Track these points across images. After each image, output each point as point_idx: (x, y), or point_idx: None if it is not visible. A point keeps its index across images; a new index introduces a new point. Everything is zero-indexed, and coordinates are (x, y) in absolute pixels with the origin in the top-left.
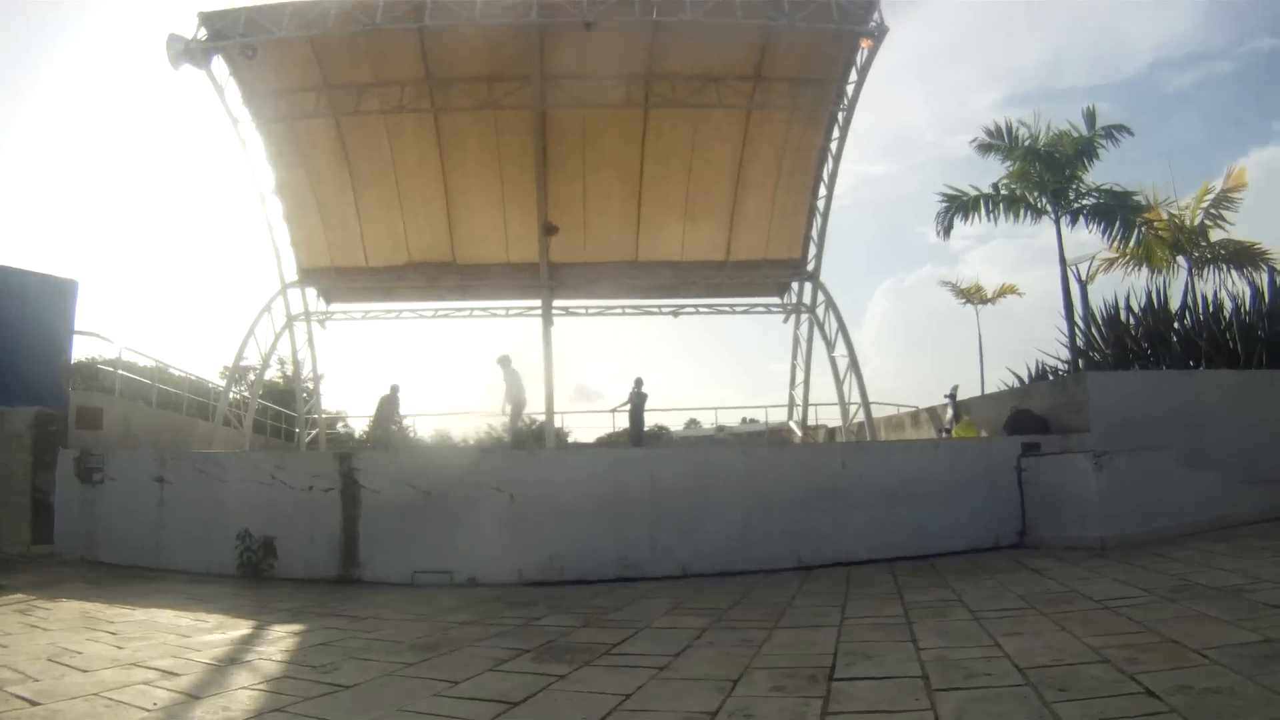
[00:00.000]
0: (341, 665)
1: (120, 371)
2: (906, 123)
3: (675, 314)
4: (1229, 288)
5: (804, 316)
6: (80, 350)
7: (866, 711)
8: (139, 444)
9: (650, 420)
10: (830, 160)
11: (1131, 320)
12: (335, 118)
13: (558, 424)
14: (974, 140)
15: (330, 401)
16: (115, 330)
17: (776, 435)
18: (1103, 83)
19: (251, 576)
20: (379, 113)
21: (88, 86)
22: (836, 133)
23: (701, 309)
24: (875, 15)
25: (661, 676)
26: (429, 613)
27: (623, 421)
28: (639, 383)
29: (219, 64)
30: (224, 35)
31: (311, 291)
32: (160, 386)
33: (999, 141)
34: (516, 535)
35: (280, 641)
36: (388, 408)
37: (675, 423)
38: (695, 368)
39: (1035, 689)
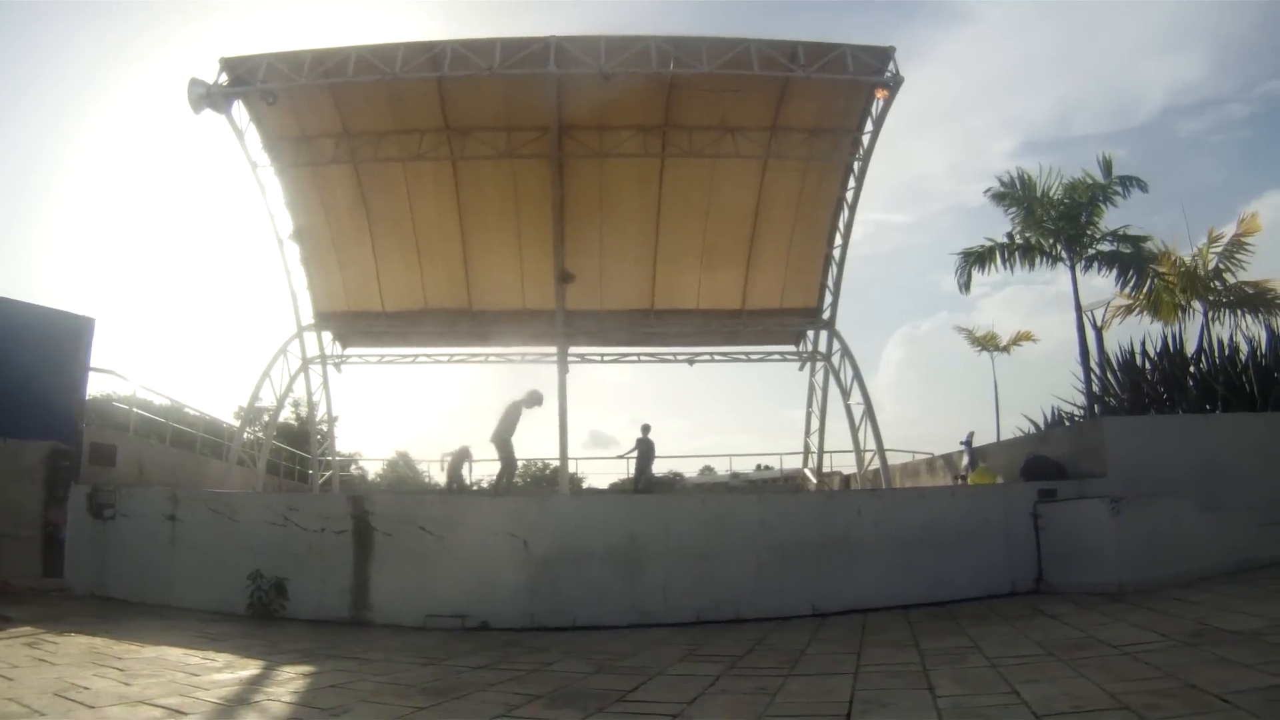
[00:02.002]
0: (352, 708)
1: (135, 409)
2: (923, 172)
3: (691, 362)
4: (1245, 331)
5: (819, 364)
6: (96, 387)
7: None
8: (152, 482)
9: (664, 466)
10: (846, 210)
11: (1147, 365)
12: (354, 164)
13: (572, 469)
14: (988, 190)
15: (344, 444)
16: (131, 368)
17: (791, 483)
18: (1116, 130)
19: (262, 617)
20: (398, 160)
21: (115, 129)
22: (852, 182)
23: (717, 357)
24: (890, 66)
25: None
26: (441, 656)
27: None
28: (645, 429)
29: (239, 109)
30: (244, 81)
31: (327, 335)
32: (174, 425)
33: (1013, 190)
34: (529, 580)
35: (290, 683)
36: (457, 463)
37: (690, 469)
38: (711, 414)
39: None
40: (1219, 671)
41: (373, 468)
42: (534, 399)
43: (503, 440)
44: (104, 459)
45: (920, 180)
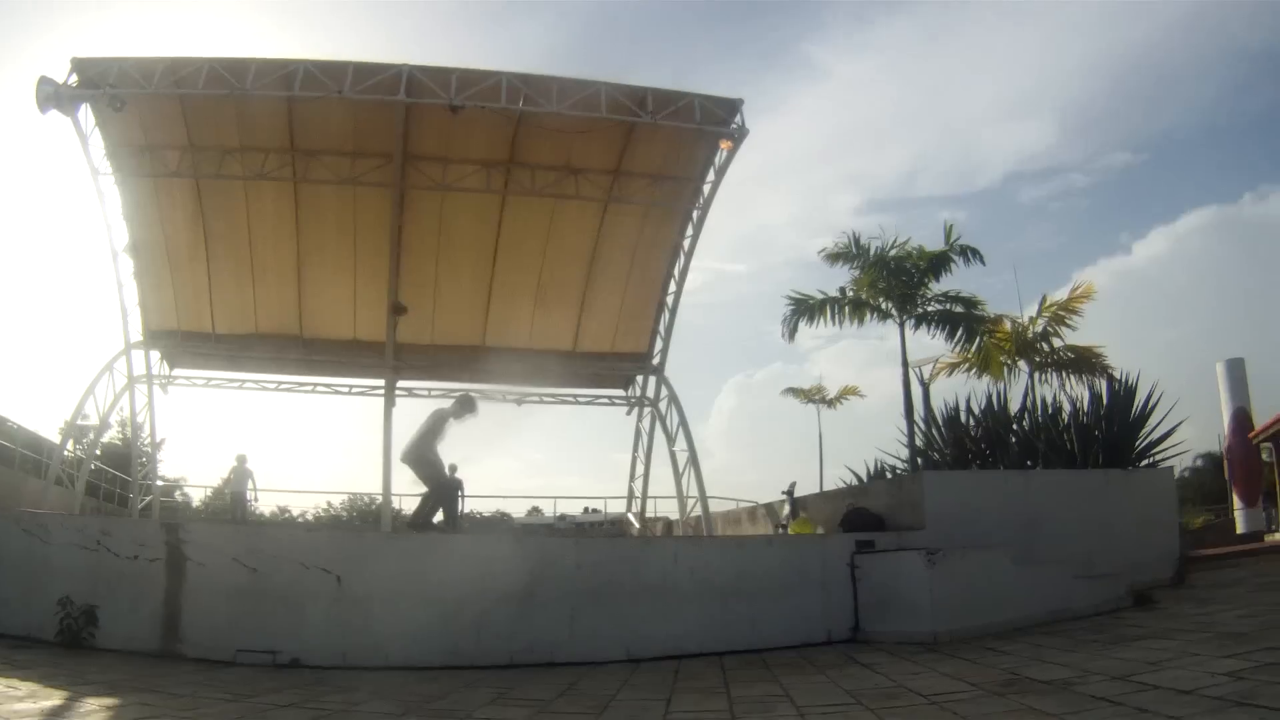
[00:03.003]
0: None
1: None
2: (765, 223)
3: (519, 402)
4: (1068, 391)
5: (647, 409)
6: None
7: None
8: None
9: (492, 506)
10: (682, 257)
11: (971, 421)
12: (196, 179)
13: (396, 505)
14: (822, 251)
15: (170, 468)
16: None
17: (616, 527)
18: (959, 192)
19: (71, 645)
20: (240, 178)
21: None
22: (690, 230)
23: (546, 398)
24: (737, 118)
25: None
26: (247, 693)
27: (477, 505)
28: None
29: (85, 112)
30: (95, 84)
31: (156, 354)
32: None
33: (849, 250)
34: (342, 617)
35: (91, 715)
36: (238, 477)
37: (518, 510)
38: (541, 454)
39: None
40: None
41: (198, 495)
42: (465, 407)
43: (418, 457)
44: None
45: (762, 231)
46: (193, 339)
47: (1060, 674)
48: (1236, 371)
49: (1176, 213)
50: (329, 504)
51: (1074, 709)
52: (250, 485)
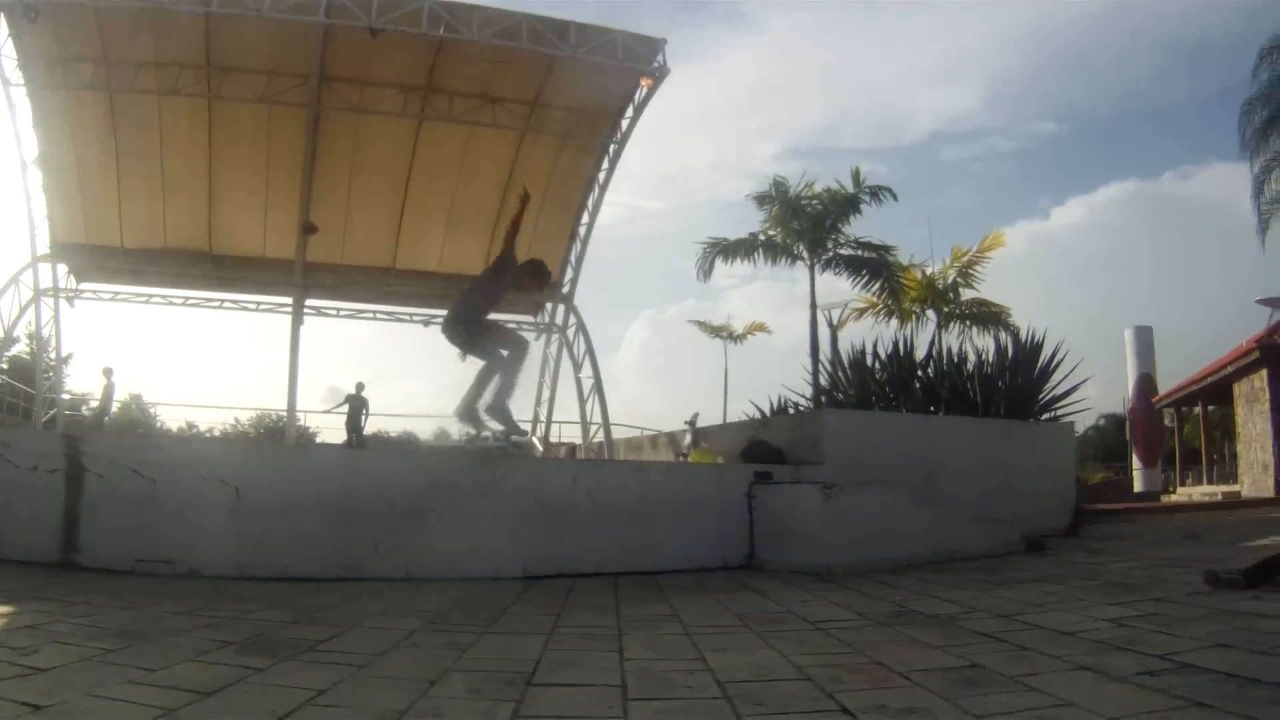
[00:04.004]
0: (42, 649)
1: None
2: (686, 164)
3: (426, 323)
4: (974, 343)
5: (555, 337)
6: None
7: (556, 717)
8: None
9: (400, 426)
10: (597, 189)
11: (877, 365)
12: (109, 93)
13: (300, 422)
14: (748, 194)
15: (77, 384)
16: None
17: (519, 449)
18: (882, 146)
19: None
20: (154, 93)
21: None
22: (606, 164)
23: None
24: (659, 57)
25: (360, 675)
26: (142, 601)
27: (385, 425)
28: (359, 387)
29: None
30: None
31: (63, 268)
32: None
33: (771, 194)
34: (241, 529)
35: None
36: (105, 394)
37: (426, 430)
38: (449, 377)
39: (731, 702)
40: (907, 651)
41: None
42: (535, 275)
43: (468, 322)
44: None
45: (683, 172)
46: (100, 253)
47: (946, 609)
48: (1144, 338)
49: (1096, 183)
50: (236, 420)
51: (956, 642)
52: (111, 399)
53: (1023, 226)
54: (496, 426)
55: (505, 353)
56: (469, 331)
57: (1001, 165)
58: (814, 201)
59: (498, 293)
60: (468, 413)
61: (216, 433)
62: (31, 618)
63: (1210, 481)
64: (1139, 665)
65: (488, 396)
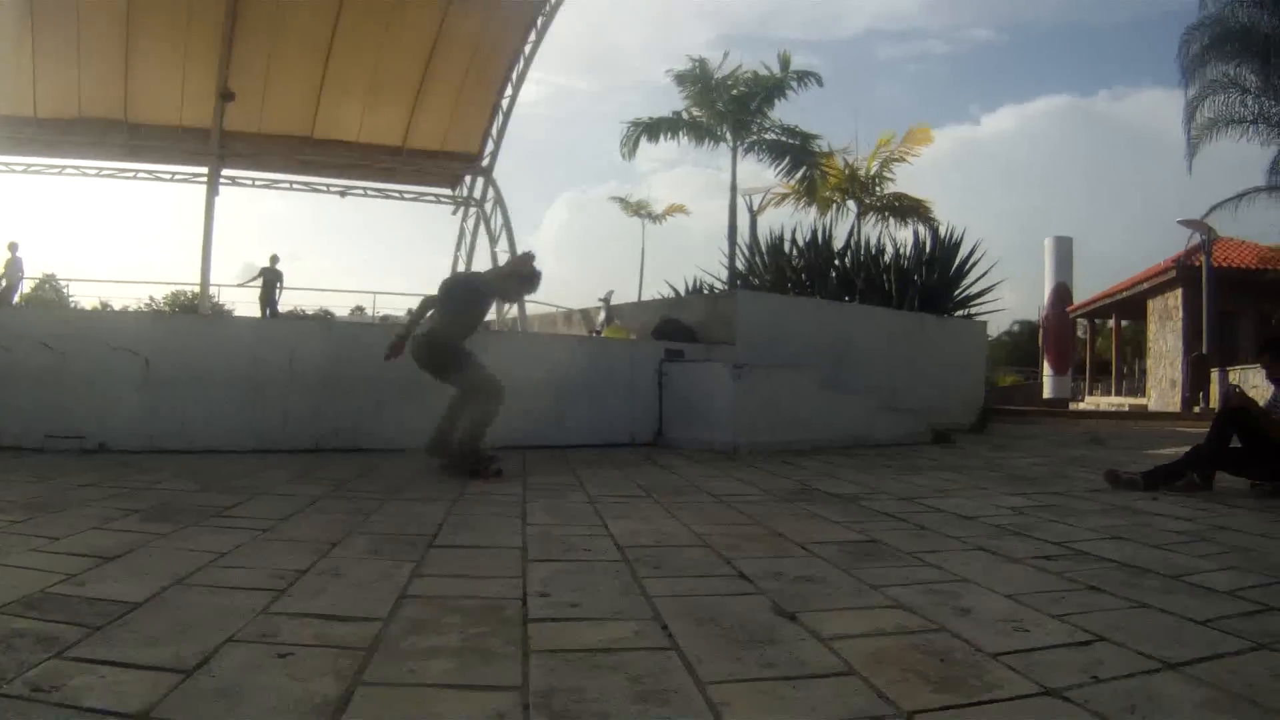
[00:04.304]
0: None
1: None
2: (616, 45)
3: (343, 194)
4: (890, 234)
5: (473, 210)
6: None
7: (455, 575)
8: None
9: (316, 302)
10: (522, 62)
11: (795, 252)
12: None
13: (214, 295)
14: (670, 71)
15: None
16: None
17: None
18: (816, 39)
19: None
20: None
21: None
22: (534, 36)
23: (371, 192)
24: None
25: (264, 538)
26: (52, 475)
27: (302, 300)
28: (273, 260)
29: None
30: None
31: None
32: None
33: (695, 73)
34: (150, 401)
35: None
36: (10, 269)
37: (342, 307)
38: (367, 254)
39: (630, 565)
40: (807, 525)
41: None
42: (525, 283)
43: (446, 341)
44: None
45: (612, 53)
46: (13, 123)
47: (850, 489)
48: (1063, 249)
49: (1030, 95)
50: (151, 298)
51: (856, 519)
52: (20, 274)
53: (953, 130)
54: None
55: (475, 395)
56: (445, 354)
57: (936, 68)
58: (739, 84)
59: (484, 311)
60: (439, 447)
61: (132, 309)
62: None
63: (1119, 394)
64: (1035, 550)
65: (460, 433)
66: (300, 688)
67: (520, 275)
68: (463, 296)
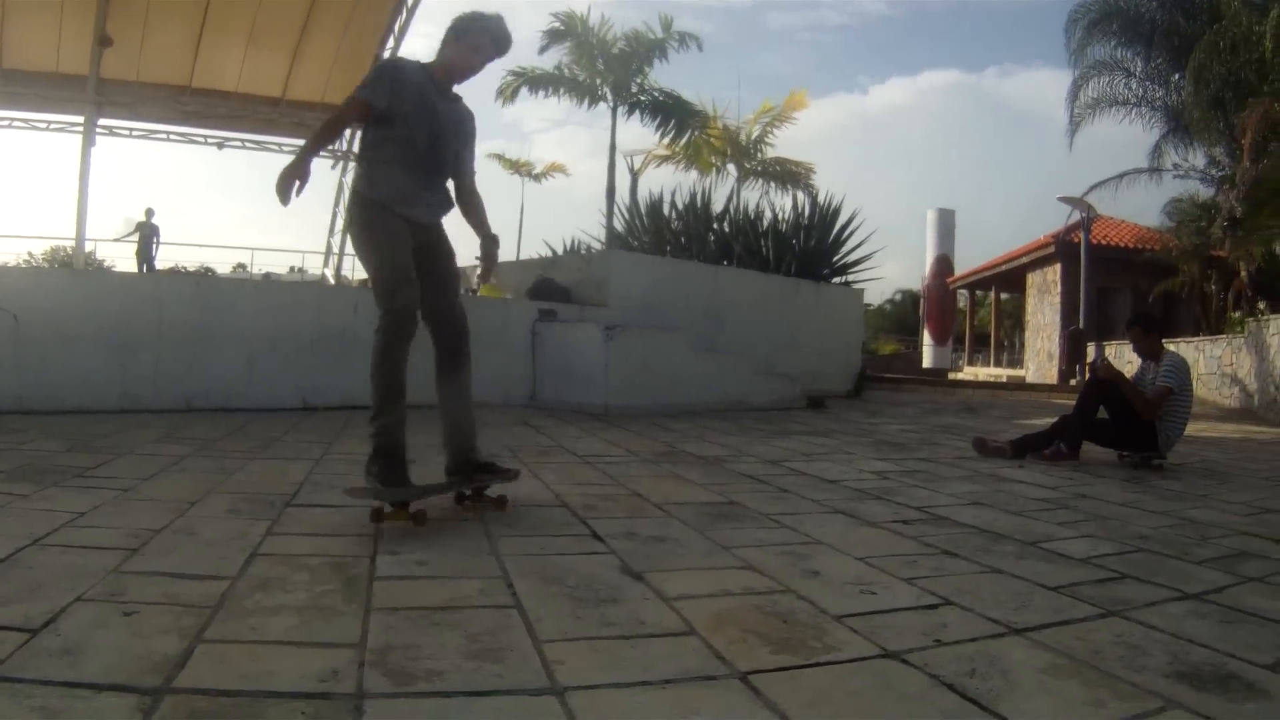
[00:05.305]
0: None
1: None
2: (502, 3)
3: (220, 146)
4: (770, 199)
5: (350, 164)
6: None
7: (308, 534)
8: None
9: (197, 258)
10: (405, 12)
11: (674, 215)
12: None
13: (89, 248)
14: (546, 26)
15: None
16: None
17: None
18: (705, 4)
19: None
20: None
21: None
22: None
23: (249, 144)
24: None
25: (124, 498)
26: None
27: (182, 256)
28: (149, 213)
29: None
30: None
31: None
32: None
33: (571, 24)
34: (19, 360)
35: None
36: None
37: (223, 265)
38: (250, 209)
39: (484, 524)
40: (668, 485)
41: None
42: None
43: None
44: None
45: (497, 6)
46: None
47: (716, 452)
48: (946, 221)
49: (919, 68)
50: (30, 254)
51: (718, 481)
52: None
53: (841, 99)
54: None
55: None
56: (349, 224)
57: (828, 37)
58: (617, 42)
59: (401, 133)
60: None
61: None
62: None
63: (998, 365)
64: (895, 514)
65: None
66: (142, 644)
67: (472, 44)
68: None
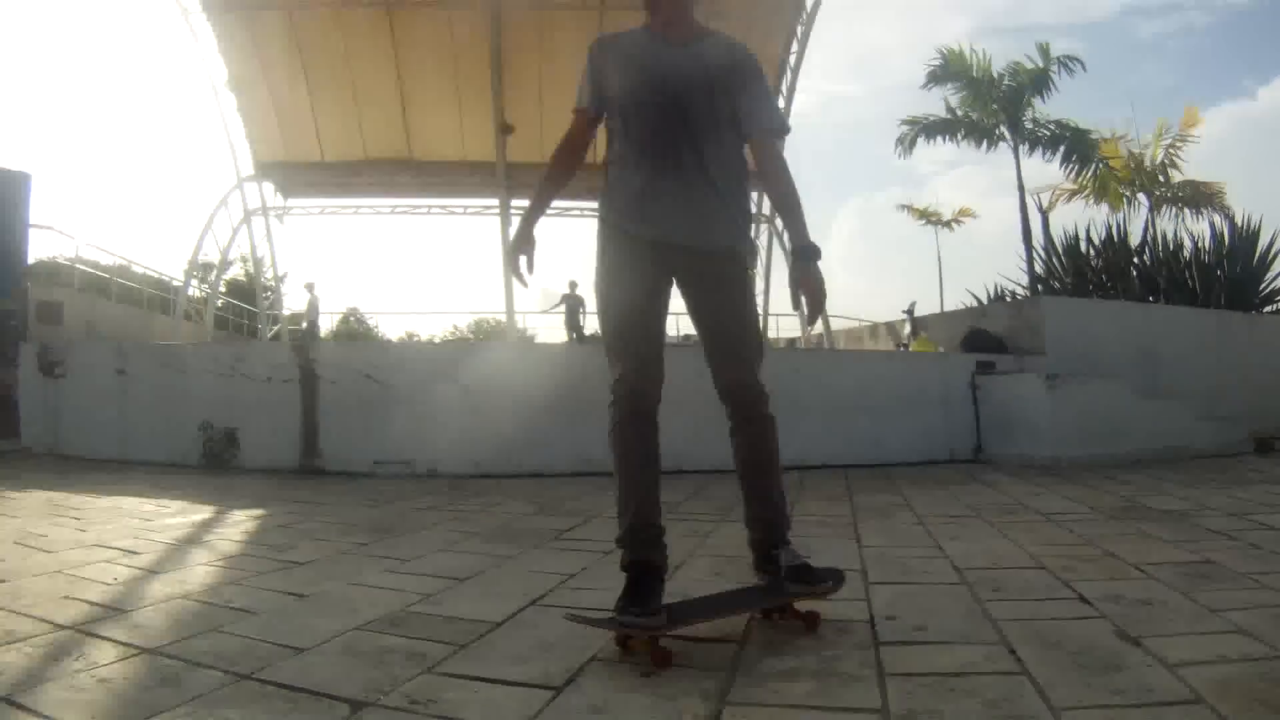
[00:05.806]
0: (298, 544)
1: (79, 266)
2: (876, 47)
3: None
4: (1186, 227)
5: (764, 226)
6: (40, 248)
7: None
8: (100, 338)
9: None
10: (789, 73)
11: (1091, 252)
12: (287, 10)
13: (520, 324)
14: (929, 65)
15: (294, 301)
16: (73, 226)
17: None
18: (1071, 21)
19: (215, 467)
20: (329, 6)
21: None
22: (795, 46)
23: None
24: None
25: (608, 559)
26: (387, 499)
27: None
28: (573, 285)
29: None
30: None
31: (269, 186)
32: (120, 281)
33: (949, 65)
34: (473, 426)
35: (240, 524)
36: (310, 308)
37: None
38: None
39: (970, 587)
40: (1139, 545)
41: (325, 323)
42: None
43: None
44: (51, 317)
45: (873, 54)
46: (303, 168)
47: (1177, 505)
48: None
49: None
50: (455, 327)
51: (1188, 538)
52: (317, 312)
53: (1227, 108)
54: None
55: None
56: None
57: (1200, 40)
58: (1004, 78)
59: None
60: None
61: (438, 339)
62: (283, 518)
63: None
64: None
65: None
66: (669, 706)
67: None
68: None
